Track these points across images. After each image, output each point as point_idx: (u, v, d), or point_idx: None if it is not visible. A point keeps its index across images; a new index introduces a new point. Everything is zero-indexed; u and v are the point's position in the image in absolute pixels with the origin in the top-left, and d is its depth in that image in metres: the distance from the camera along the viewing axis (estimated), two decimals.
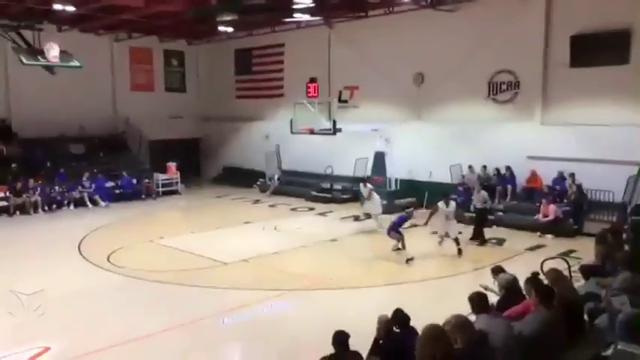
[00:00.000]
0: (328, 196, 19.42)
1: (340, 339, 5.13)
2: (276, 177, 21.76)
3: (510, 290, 6.04)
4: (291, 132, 18.00)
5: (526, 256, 11.86)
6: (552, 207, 14.09)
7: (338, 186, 19.58)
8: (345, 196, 19.07)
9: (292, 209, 18.58)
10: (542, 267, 6.65)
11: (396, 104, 18.63)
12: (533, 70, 15.60)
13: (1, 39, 18.68)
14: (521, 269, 6.74)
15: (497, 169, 16.16)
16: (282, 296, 9.65)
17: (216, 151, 25.73)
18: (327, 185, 19.83)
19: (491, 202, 14.25)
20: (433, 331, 3.79)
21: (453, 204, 12.36)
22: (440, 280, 10.64)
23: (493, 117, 16.51)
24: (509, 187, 15.84)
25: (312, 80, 19.11)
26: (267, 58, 23.17)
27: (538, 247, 12.84)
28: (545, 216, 14.13)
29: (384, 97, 18.80)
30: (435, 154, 17.37)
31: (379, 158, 17.74)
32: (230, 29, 20.87)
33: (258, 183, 22.39)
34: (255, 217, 17.03)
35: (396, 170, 17.74)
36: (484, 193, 13.68)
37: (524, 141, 15.68)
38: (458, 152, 16.91)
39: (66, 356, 7.21)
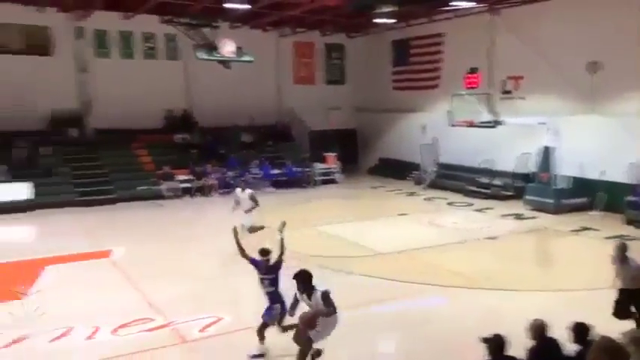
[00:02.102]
0: (487, 191, 18.63)
1: (497, 343, 4.98)
2: (432, 170, 21.47)
3: None
4: (449, 124, 17.58)
5: None
6: None
7: (498, 182, 18.69)
8: (507, 193, 18.12)
9: (449, 203, 18.21)
10: None
11: (566, 95, 17.15)
12: None
13: (183, 36, 21.00)
14: None
15: None
16: (434, 292, 9.56)
17: (372, 142, 26.11)
18: (485, 180, 19.04)
19: None
20: (610, 344, 3.52)
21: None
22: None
23: None
24: None
25: (473, 71, 18.49)
26: (425, 48, 22.82)
27: None
28: None
29: (552, 87, 17.39)
30: (610, 151, 15.67)
31: (546, 153, 16.42)
32: (388, 21, 20.94)
33: (413, 175, 22.29)
34: (410, 210, 17.03)
35: (565, 167, 16.39)
36: None
37: None
38: (637, 149, 15.10)
39: (234, 327, 7.92)
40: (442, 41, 21.93)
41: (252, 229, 11.43)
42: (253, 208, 12.13)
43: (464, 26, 20.08)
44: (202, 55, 19.29)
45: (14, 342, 7.39)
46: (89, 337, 7.58)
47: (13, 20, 19.14)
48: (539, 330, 5.19)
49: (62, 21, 19.85)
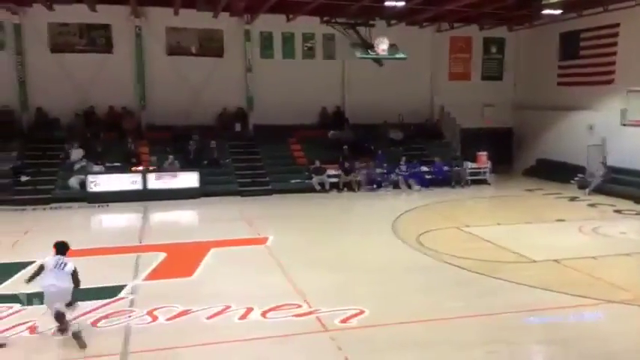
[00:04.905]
0: None
1: None
2: (599, 173, 19.56)
3: None
4: (622, 124, 15.91)
5: None
6: None
7: None
8: None
9: (616, 211, 16.48)
10: None
11: None
12: None
13: (340, 36, 21.66)
14: None
15: None
16: (595, 306, 8.76)
17: (529, 141, 24.54)
18: None
19: None
20: None
21: None
22: None
23: None
24: None
25: None
26: (598, 40, 20.81)
27: None
28: None
29: None
30: None
31: None
32: (556, 12, 19.47)
33: (576, 178, 20.51)
34: (570, 216, 15.75)
35: None
36: None
37: None
38: None
39: (376, 321, 8.06)
40: (617, 32, 19.85)
41: None
42: None
43: None
44: (359, 53, 19.73)
45: (179, 315, 8.32)
46: (242, 317, 8.25)
47: (192, 25, 21.38)
48: None
49: (233, 25, 21.68)
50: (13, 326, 7.83)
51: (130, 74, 21.06)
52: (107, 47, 21.07)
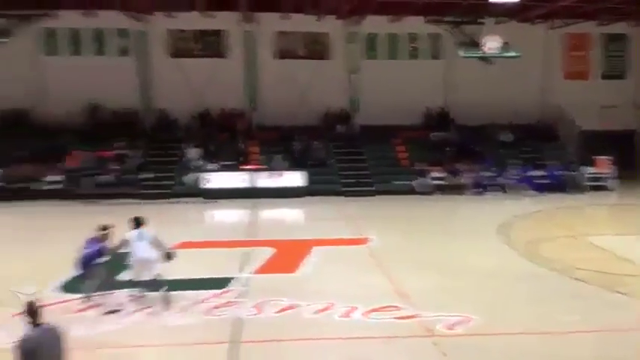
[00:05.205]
0: None
1: None
2: None
3: None
4: None
5: None
6: None
7: None
8: None
9: None
10: None
11: None
12: None
13: (445, 35, 21.18)
14: None
15: None
16: None
17: None
18: None
19: None
20: None
21: None
22: None
23: None
24: None
25: None
26: None
27: None
28: None
29: None
30: None
31: None
32: None
33: None
34: None
35: None
36: None
37: None
38: None
39: (485, 330, 7.76)
40: None
41: None
42: None
43: None
44: (465, 52, 19.20)
45: (284, 309, 8.56)
46: (344, 315, 8.31)
47: (299, 29, 21.95)
48: None
49: (338, 27, 21.95)
50: (134, 311, 8.50)
51: (240, 77, 22.03)
52: (220, 52, 22.21)
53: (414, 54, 22.91)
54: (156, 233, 8.76)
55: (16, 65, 20.47)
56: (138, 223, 8.73)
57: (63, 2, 19.67)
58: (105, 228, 8.76)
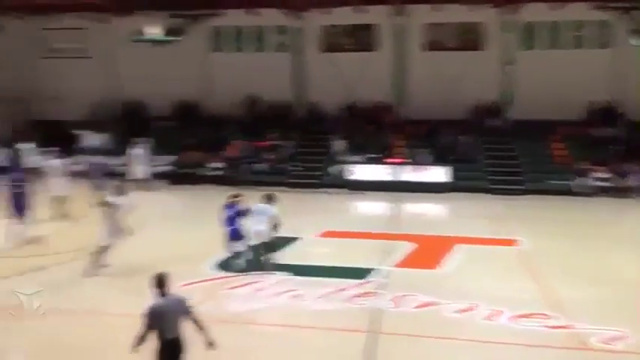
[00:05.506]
0: None
1: None
2: None
3: None
4: None
5: None
6: None
7: None
8: None
9: None
10: None
11: None
12: None
13: (615, 22, 19.17)
14: None
15: None
16: None
17: None
18: None
19: None
20: None
21: None
22: None
23: None
24: None
25: None
26: None
27: None
28: None
29: None
30: None
31: None
32: None
33: None
34: None
35: None
36: None
37: None
38: None
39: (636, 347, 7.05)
40: None
41: None
42: None
43: None
44: (637, 41, 17.19)
45: (424, 305, 8.50)
46: (488, 318, 8.04)
47: (450, 20, 21.36)
48: None
49: (493, 16, 20.91)
50: (279, 293, 9.05)
51: (389, 70, 22.04)
52: (370, 46, 22.43)
53: (577, 43, 21.06)
54: (277, 213, 10.00)
55: (187, 61, 22.64)
56: (269, 198, 10.11)
57: (229, 1, 21.27)
58: (236, 196, 10.42)
